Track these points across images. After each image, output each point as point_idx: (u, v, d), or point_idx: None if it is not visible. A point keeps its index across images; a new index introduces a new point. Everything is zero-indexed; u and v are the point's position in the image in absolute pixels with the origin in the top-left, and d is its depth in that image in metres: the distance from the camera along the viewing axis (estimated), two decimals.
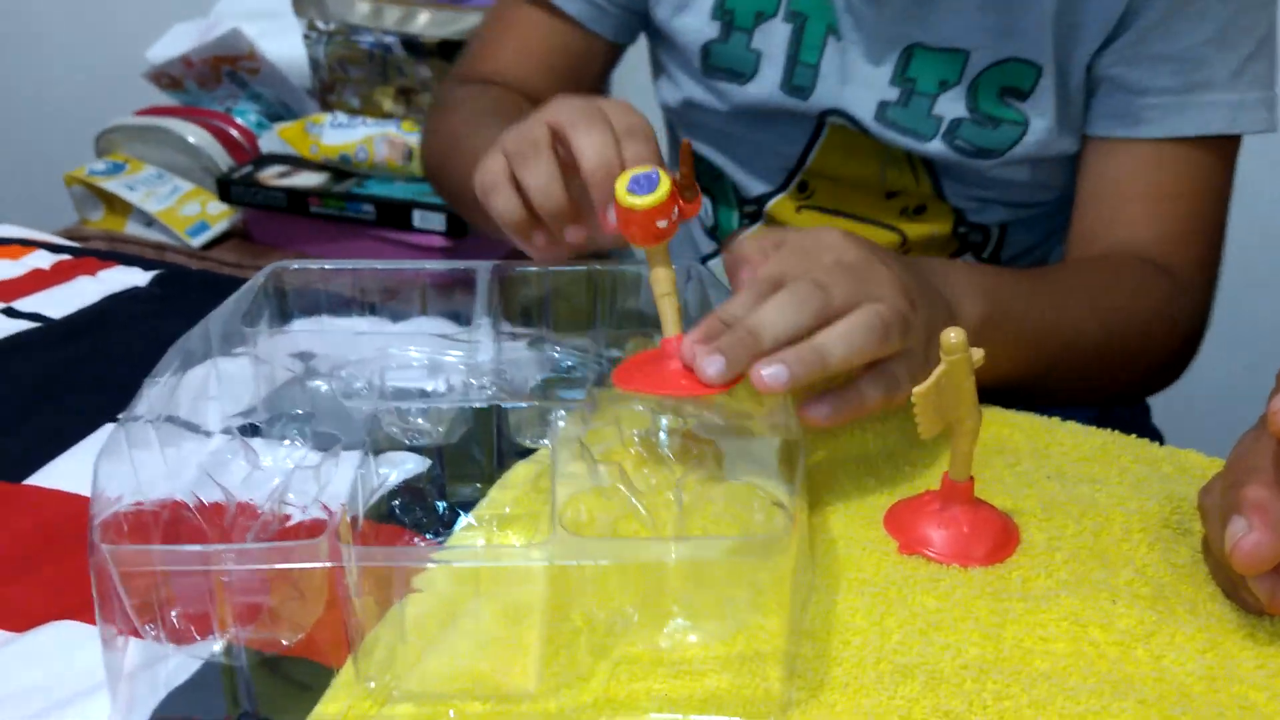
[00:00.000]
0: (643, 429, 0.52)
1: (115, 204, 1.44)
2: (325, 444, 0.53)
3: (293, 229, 1.38)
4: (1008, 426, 0.59)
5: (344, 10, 1.36)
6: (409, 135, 1.36)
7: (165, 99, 1.56)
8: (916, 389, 0.46)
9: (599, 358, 0.61)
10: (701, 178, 0.88)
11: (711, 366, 0.47)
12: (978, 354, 0.47)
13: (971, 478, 0.49)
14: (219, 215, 1.43)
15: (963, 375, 0.47)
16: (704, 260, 0.92)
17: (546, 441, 0.53)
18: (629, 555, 0.41)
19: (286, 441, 0.55)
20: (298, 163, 1.41)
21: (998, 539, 0.49)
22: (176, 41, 1.47)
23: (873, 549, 0.49)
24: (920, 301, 0.52)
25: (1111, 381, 0.70)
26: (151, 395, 0.50)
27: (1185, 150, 0.71)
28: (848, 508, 0.52)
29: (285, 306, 0.65)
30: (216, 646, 0.43)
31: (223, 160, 1.46)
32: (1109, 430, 0.59)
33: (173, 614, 0.41)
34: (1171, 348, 0.72)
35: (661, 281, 0.52)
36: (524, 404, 0.53)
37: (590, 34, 0.83)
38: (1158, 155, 0.71)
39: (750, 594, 0.42)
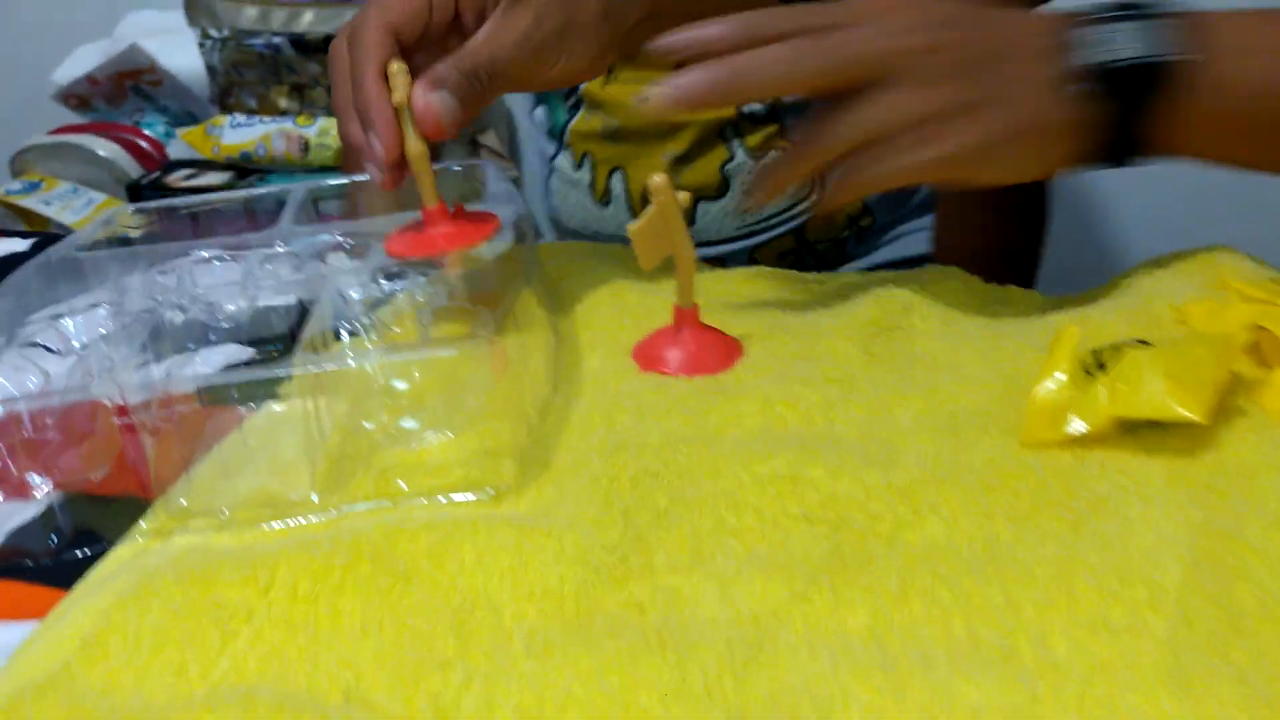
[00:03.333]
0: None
1: (33, 219, 1.52)
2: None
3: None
4: (751, 283, 0.68)
5: (233, 16, 1.44)
6: (304, 129, 1.44)
7: (78, 119, 1.64)
8: (632, 226, 0.54)
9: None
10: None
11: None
12: (684, 196, 0.55)
13: (696, 304, 0.58)
14: None
15: (672, 213, 0.55)
16: (551, 159, 1.08)
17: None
18: (351, 361, 0.49)
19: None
20: (203, 164, 1.49)
21: (722, 355, 0.57)
22: (80, 62, 1.55)
23: (617, 370, 0.57)
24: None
25: None
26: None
27: None
28: (603, 343, 0.60)
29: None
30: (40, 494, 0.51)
31: (133, 170, 1.54)
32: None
33: None
34: None
35: (418, 159, 0.58)
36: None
37: None
38: None
39: (479, 401, 0.50)
